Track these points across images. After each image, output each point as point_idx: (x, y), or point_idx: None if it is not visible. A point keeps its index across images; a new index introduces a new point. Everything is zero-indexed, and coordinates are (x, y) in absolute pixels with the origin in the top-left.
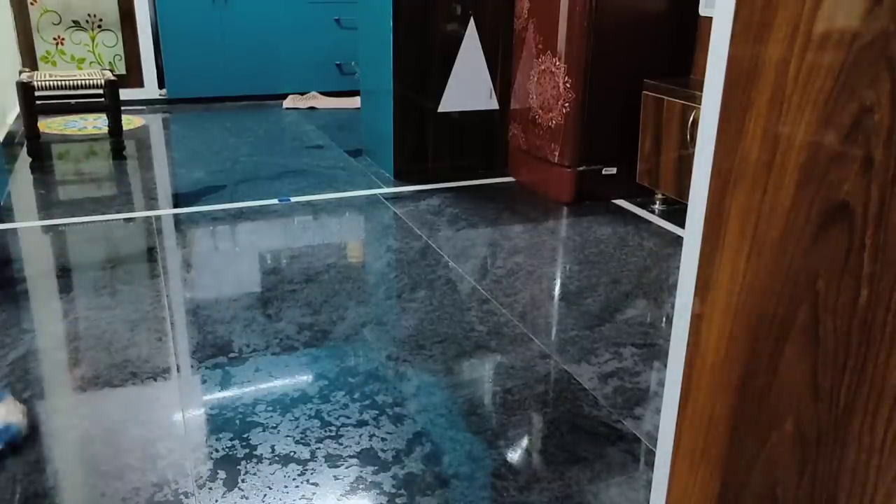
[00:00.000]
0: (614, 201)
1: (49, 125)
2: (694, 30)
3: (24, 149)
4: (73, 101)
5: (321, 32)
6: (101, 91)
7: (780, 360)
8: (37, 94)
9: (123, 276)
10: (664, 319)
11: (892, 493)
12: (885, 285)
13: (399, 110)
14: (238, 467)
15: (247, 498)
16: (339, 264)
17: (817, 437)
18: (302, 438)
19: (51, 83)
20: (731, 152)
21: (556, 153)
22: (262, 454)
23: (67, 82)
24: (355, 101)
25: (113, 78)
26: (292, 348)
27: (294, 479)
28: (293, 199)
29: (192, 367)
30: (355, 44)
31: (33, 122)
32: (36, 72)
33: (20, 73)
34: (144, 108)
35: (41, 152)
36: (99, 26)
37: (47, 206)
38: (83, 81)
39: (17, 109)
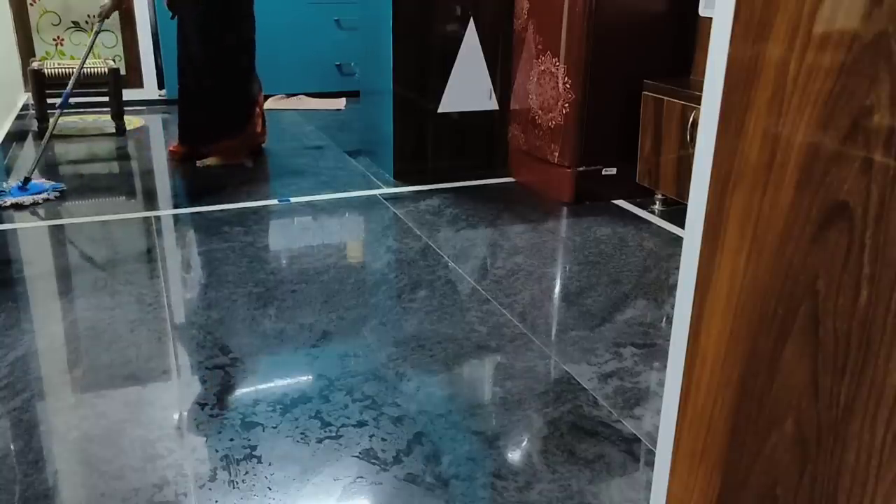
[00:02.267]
0: (614, 201)
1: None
2: (694, 30)
3: (23, 149)
4: (79, 84)
5: (321, 33)
6: (104, 79)
7: (780, 360)
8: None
9: (123, 276)
10: (664, 319)
11: (892, 493)
12: (885, 285)
13: (399, 110)
14: (238, 467)
15: (247, 498)
16: (339, 265)
17: (817, 437)
18: (302, 438)
19: (59, 71)
20: (731, 152)
21: (556, 153)
22: (262, 454)
23: (74, 70)
24: (339, 103)
25: (115, 66)
26: (292, 348)
27: (294, 479)
28: (293, 200)
29: (191, 367)
30: (355, 44)
31: (44, 106)
32: (46, 60)
33: (31, 61)
34: (144, 108)
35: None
36: None
37: (47, 205)
38: (88, 69)
39: (16, 111)
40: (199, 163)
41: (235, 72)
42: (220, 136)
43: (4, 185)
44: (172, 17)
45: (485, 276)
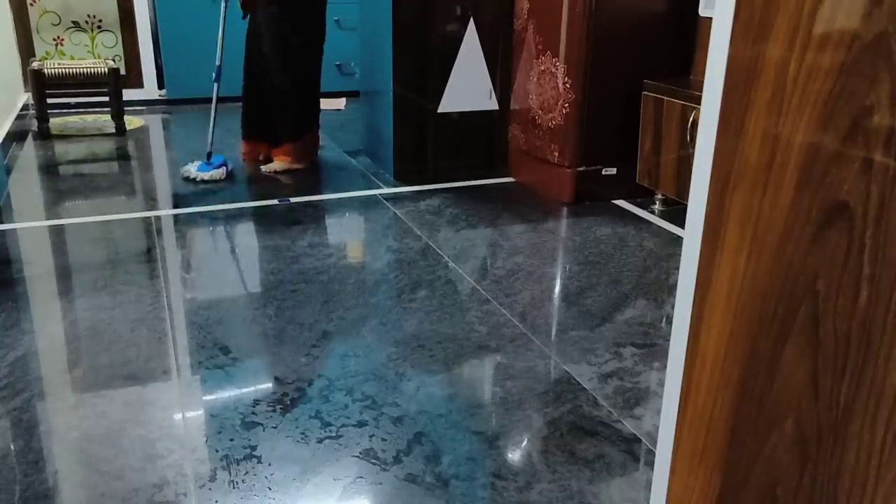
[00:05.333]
0: (614, 201)
1: (49, 126)
2: (694, 30)
3: (23, 149)
4: (79, 84)
5: None
6: (105, 79)
7: (780, 360)
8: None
9: (123, 276)
10: (664, 319)
11: (892, 493)
12: (885, 285)
13: (399, 110)
14: (238, 467)
15: (247, 498)
16: (339, 264)
17: (817, 437)
18: (302, 438)
19: (59, 71)
20: (731, 153)
21: (556, 153)
22: (262, 454)
23: (74, 70)
24: (339, 103)
25: (115, 66)
26: (292, 348)
27: (294, 480)
28: (293, 200)
29: (191, 367)
30: (355, 44)
31: (44, 106)
32: (46, 60)
33: (31, 61)
34: (144, 108)
35: (49, 136)
36: (98, 27)
37: (47, 206)
38: (89, 69)
39: (16, 111)
40: (263, 168)
41: (307, 72)
42: (295, 136)
43: (190, 166)
44: (244, 18)
45: (485, 276)
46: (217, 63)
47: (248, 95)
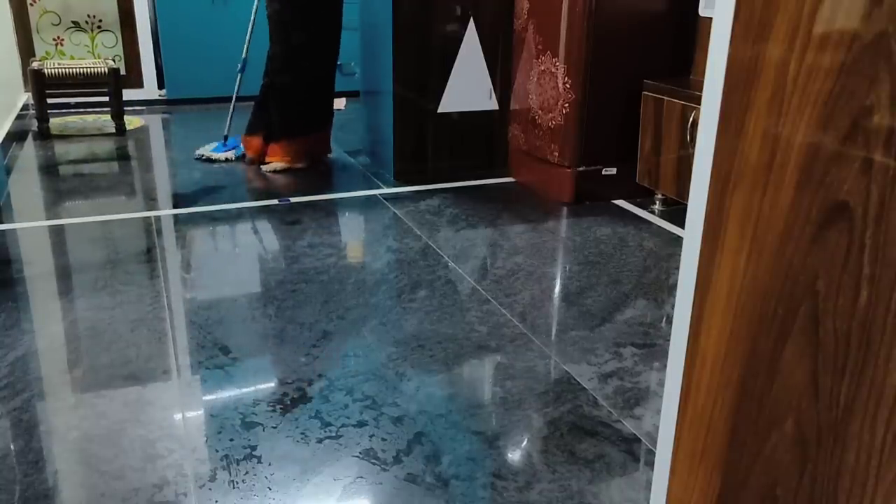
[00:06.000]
0: (614, 201)
1: (49, 126)
2: (694, 30)
3: (23, 149)
4: (79, 84)
5: None
6: (105, 79)
7: (780, 360)
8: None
9: (123, 276)
10: (664, 319)
11: (892, 493)
12: (885, 285)
13: (399, 110)
14: (238, 467)
15: (247, 498)
16: (339, 264)
17: (817, 437)
18: (302, 438)
19: (59, 71)
20: (731, 153)
21: (556, 153)
22: (262, 454)
23: (74, 70)
24: (339, 103)
25: (115, 66)
26: (292, 348)
27: (294, 480)
28: (293, 200)
29: (191, 367)
30: (355, 44)
31: (44, 106)
32: (46, 60)
33: (31, 61)
34: (144, 108)
35: (49, 136)
36: (98, 27)
37: (47, 206)
38: (89, 69)
39: (16, 111)
40: (263, 168)
41: (313, 71)
42: (290, 134)
43: (205, 148)
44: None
45: (485, 276)
46: (243, 55)
47: (261, 90)
